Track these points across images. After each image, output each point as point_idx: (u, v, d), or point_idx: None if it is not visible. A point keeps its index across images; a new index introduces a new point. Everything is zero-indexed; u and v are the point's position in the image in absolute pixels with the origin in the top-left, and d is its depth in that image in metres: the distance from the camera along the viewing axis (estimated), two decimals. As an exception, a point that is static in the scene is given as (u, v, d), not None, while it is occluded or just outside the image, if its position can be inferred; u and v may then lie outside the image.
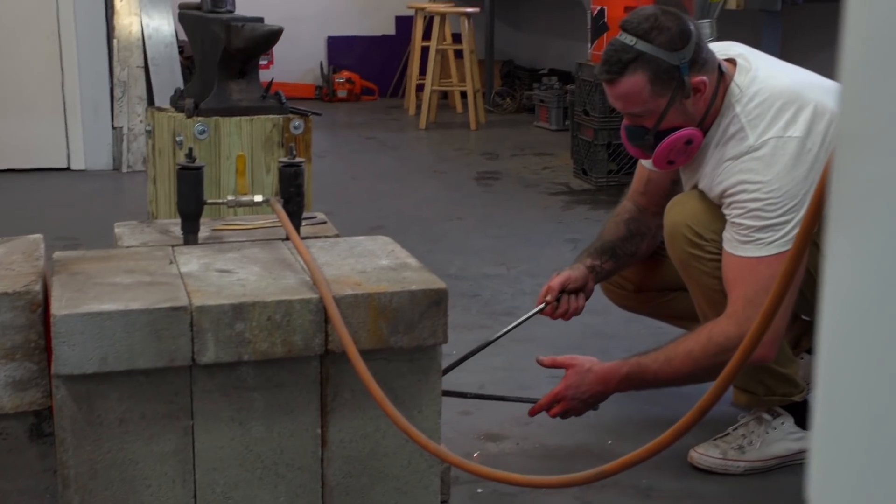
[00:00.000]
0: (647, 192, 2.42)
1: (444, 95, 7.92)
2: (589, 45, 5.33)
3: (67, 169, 5.51)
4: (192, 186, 2.00)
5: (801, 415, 2.31)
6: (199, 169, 2.02)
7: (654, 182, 2.40)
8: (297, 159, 2.08)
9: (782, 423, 2.32)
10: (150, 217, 3.40)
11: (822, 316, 0.44)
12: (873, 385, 0.40)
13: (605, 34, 5.09)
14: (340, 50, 8.56)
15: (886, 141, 0.39)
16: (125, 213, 4.61)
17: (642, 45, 2.06)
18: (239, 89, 3.13)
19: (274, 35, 3.08)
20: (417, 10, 7.64)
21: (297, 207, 2.05)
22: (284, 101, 3.18)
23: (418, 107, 7.44)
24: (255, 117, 3.09)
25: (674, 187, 2.35)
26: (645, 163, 2.38)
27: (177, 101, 3.23)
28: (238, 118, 3.07)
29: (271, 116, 3.11)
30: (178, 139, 3.07)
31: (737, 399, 2.38)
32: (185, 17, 3.29)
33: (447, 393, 2.08)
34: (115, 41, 5.55)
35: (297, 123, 3.13)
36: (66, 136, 5.49)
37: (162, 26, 5.74)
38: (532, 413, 2.27)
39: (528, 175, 5.53)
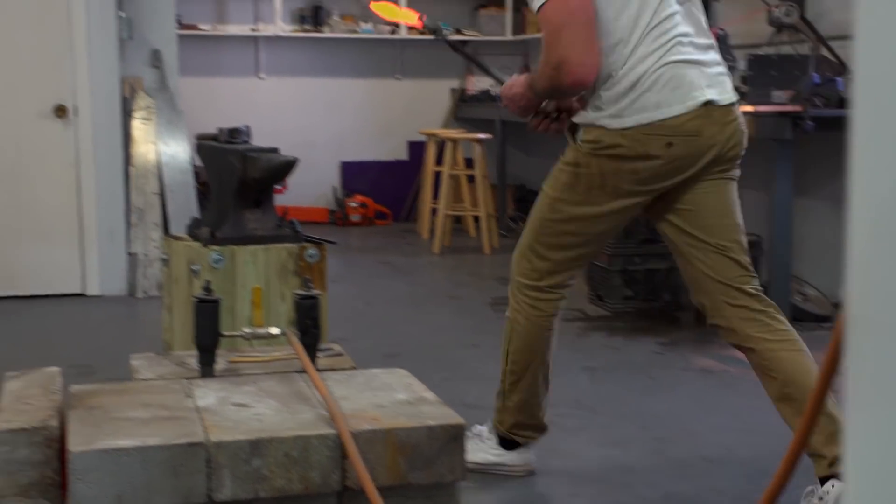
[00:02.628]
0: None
1: (458, 220, 8.00)
2: (602, 171, 5.41)
3: (82, 295, 5.56)
4: (208, 319, 2.03)
5: None
6: (215, 302, 2.05)
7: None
8: (314, 291, 2.11)
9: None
10: (165, 346, 3.41)
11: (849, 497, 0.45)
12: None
13: (617, 161, 5.17)
14: (354, 175, 8.70)
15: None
16: (139, 339, 4.64)
17: None
18: (254, 218, 3.16)
19: (289, 165, 3.13)
20: (430, 135, 7.79)
21: (314, 339, 2.07)
22: (299, 229, 3.22)
23: (432, 231, 7.51)
24: (271, 246, 3.12)
25: None
26: None
27: (193, 229, 3.28)
28: (253, 247, 3.10)
29: (286, 245, 3.14)
30: (193, 268, 3.10)
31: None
32: (202, 148, 3.36)
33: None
34: (132, 168, 5.66)
35: (311, 252, 3.16)
36: (82, 262, 5.56)
37: (178, 153, 5.86)
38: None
39: (542, 300, 5.55)
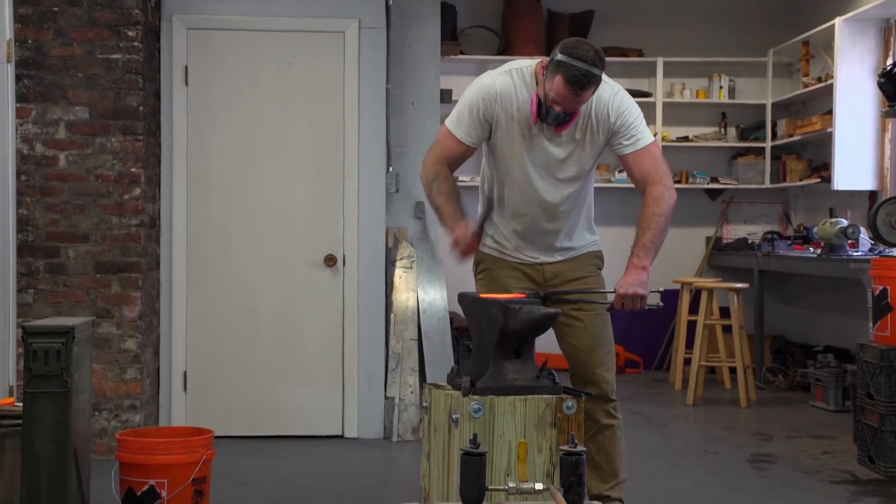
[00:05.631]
0: (458, 160, 3.59)
1: (712, 370, 7.80)
2: (870, 324, 5.16)
3: (341, 436, 5.77)
4: (475, 472, 2.06)
5: None
6: (482, 455, 2.08)
7: (465, 158, 3.60)
8: (579, 448, 2.11)
9: None
10: (422, 492, 3.47)
11: None
12: None
13: (888, 314, 4.92)
14: (604, 321, 8.66)
15: None
16: (394, 484, 4.75)
17: (597, 70, 3.33)
18: (514, 369, 3.18)
19: (550, 318, 3.14)
20: (683, 284, 7.70)
21: (578, 497, 2.07)
22: (558, 380, 3.19)
23: (685, 381, 7.35)
24: (529, 397, 3.12)
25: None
26: (460, 134, 3.55)
27: (453, 378, 3.33)
28: (512, 398, 3.10)
29: (545, 396, 3.13)
30: (453, 417, 3.16)
31: None
32: (464, 299, 3.44)
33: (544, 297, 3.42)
34: (392, 315, 5.89)
35: (569, 404, 3.14)
36: (343, 405, 5.79)
37: (436, 301, 6.05)
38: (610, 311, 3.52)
39: (806, 460, 5.28)
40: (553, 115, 3.43)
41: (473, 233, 3.53)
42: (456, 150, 3.57)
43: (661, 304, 3.42)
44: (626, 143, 3.53)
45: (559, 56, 3.33)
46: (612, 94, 3.51)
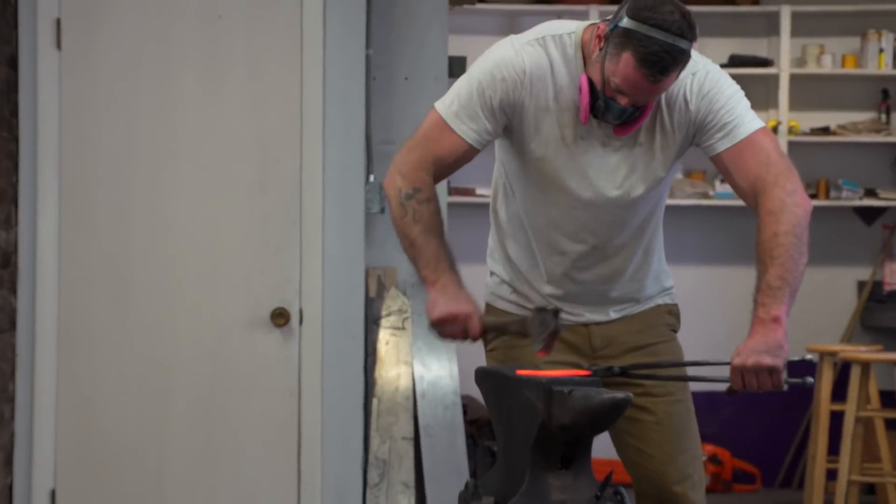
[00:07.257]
0: (451, 166, 3.56)
1: (871, 489, 7.74)
2: None
3: None
4: None
5: None
6: None
7: (460, 164, 3.57)
8: None
9: None
10: None
11: None
12: None
13: None
14: (700, 410, 8.56)
15: None
16: None
17: (685, 43, 3.28)
18: (561, 485, 3.23)
19: (617, 407, 3.18)
20: (823, 353, 7.62)
21: None
22: (629, 502, 3.26)
23: (828, 505, 7.33)
24: (588, 531, 3.14)
25: None
26: (460, 128, 3.47)
27: (469, 499, 3.37)
28: (561, 532, 3.14)
29: (610, 530, 3.17)
30: (471, 564, 3.14)
31: None
32: (486, 377, 3.51)
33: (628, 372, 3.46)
34: (374, 401, 5.83)
35: (649, 545, 3.16)
36: (298, 545, 5.71)
37: (442, 379, 6.05)
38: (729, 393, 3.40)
39: None
40: (616, 111, 3.40)
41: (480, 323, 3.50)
42: (450, 152, 3.54)
43: (810, 380, 3.30)
44: (719, 135, 3.50)
45: (627, 21, 3.28)
46: (690, 70, 3.46)
